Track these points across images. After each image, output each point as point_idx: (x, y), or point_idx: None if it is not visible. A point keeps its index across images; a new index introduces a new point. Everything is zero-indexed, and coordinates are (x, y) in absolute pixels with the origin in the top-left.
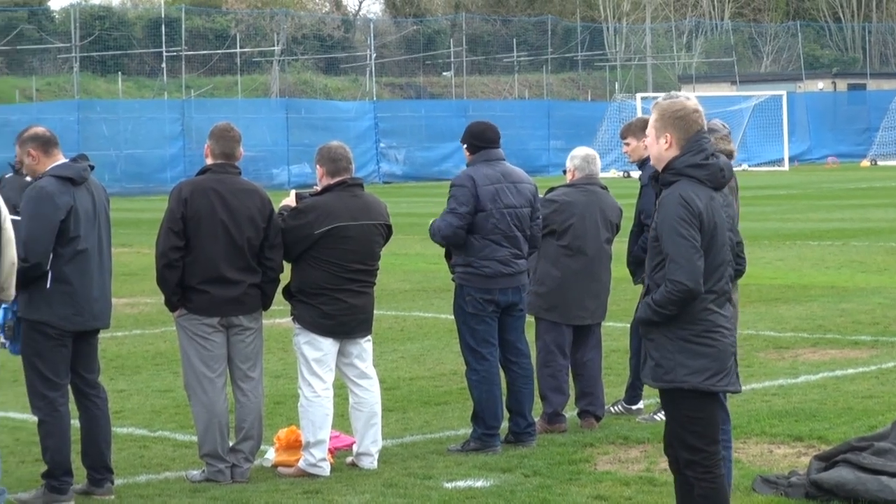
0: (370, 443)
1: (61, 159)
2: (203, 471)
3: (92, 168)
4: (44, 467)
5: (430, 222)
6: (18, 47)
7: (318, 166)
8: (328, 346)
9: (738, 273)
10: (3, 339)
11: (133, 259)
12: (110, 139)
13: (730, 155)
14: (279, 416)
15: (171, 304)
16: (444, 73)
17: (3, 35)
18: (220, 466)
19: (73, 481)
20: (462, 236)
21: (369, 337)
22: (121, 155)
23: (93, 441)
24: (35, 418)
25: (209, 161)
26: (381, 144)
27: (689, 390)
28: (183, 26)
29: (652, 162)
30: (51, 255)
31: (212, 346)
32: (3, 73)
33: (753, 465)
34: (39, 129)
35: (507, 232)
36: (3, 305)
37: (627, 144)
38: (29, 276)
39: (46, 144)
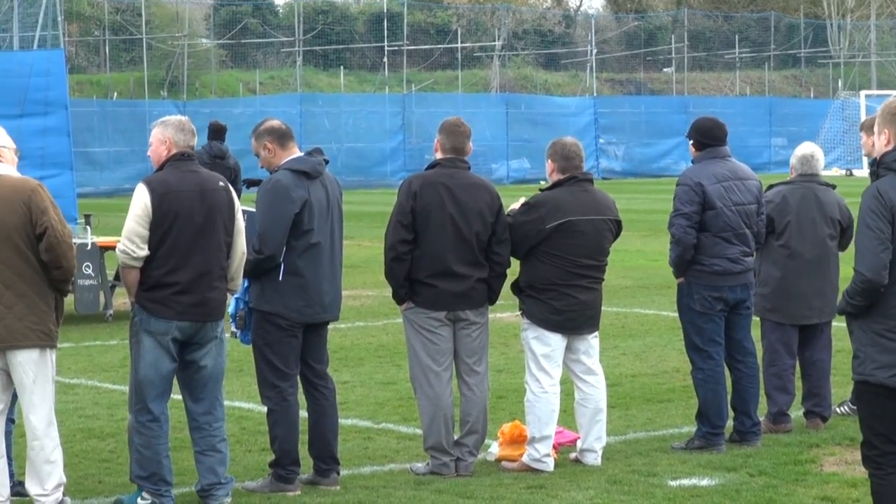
0: (594, 439)
1: (296, 152)
2: (427, 463)
3: (327, 162)
4: (271, 456)
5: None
6: (243, 41)
7: (549, 161)
8: (556, 341)
9: None
10: (234, 329)
11: (354, 251)
12: (331, 132)
13: None
14: (502, 411)
15: (399, 298)
16: (665, 70)
17: (228, 29)
18: (444, 459)
19: (300, 471)
20: (694, 236)
21: (596, 333)
22: (342, 148)
23: (320, 431)
24: (263, 408)
25: (438, 155)
26: (601, 140)
27: (875, 384)
28: (405, 21)
29: None
30: (284, 248)
31: (438, 339)
32: (228, 67)
33: None
34: (275, 123)
35: (737, 230)
36: (235, 296)
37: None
38: (262, 268)
39: (282, 138)
